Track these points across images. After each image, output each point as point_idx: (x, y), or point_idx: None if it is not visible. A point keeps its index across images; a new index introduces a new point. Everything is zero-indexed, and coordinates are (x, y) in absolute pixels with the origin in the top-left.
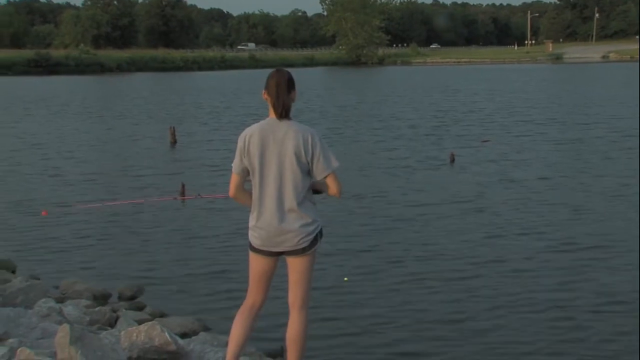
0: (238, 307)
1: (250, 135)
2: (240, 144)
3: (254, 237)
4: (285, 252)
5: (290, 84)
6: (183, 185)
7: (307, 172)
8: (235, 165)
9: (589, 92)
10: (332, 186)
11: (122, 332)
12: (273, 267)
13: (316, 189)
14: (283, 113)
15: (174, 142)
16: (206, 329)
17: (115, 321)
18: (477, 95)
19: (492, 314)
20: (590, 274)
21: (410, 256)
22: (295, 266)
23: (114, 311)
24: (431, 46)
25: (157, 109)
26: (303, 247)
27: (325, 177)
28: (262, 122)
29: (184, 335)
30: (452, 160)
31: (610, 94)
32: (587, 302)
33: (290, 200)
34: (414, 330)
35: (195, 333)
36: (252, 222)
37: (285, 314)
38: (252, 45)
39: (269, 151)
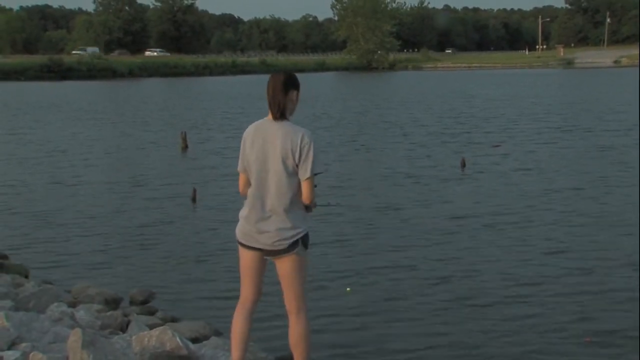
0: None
1: (247, 134)
2: (241, 142)
3: (238, 230)
4: (264, 252)
5: (287, 85)
6: (195, 191)
7: (295, 174)
8: (239, 163)
9: (608, 98)
10: (304, 191)
11: (134, 337)
12: (258, 262)
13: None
14: (278, 114)
15: (185, 148)
16: (217, 333)
17: (127, 326)
18: (493, 101)
19: (536, 338)
20: None
21: (439, 276)
22: (279, 269)
23: (126, 316)
24: (446, 51)
25: (169, 114)
26: (278, 250)
27: (304, 180)
28: (259, 121)
29: (195, 340)
30: (463, 166)
31: (629, 99)
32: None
33: (272, 202)
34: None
35: (207, 338)
36: (240, 214)
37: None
38: (91, 49)
39: (259, 151)
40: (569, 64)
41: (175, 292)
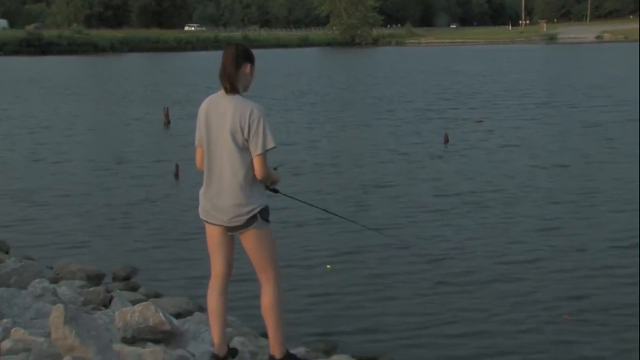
0: (232, 285)
1: (201, 108)
2: (197, 116)
3: (199, 207)
4: (226, 227)
5: (239, 58)
6: (177, 167)
7: (246, 149)
8: (196, 138)
9: (591, 74)
10: (255, 167)
11: (117, 312)
12: (223, 238)
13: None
14: (229, 87)
15: (167, 123)
16: (201, 309)
17: (110, 301)
18: (477, 76)
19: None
20: None
21: (427, 255)
22: (243, 243)
23: (108, 291)
24: (450, 26)
25: (151, 90)
26: (237, 226)
27: (255, 156)
28: (212, 95)
29: (178, 316)
30: (446, 141)
31: (612, 75)
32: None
33: (227, 178)
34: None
35: (190, 313)
36: (200, 191)
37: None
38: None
39: (211, 126)
40: (551, 39)
41: (159, 269)
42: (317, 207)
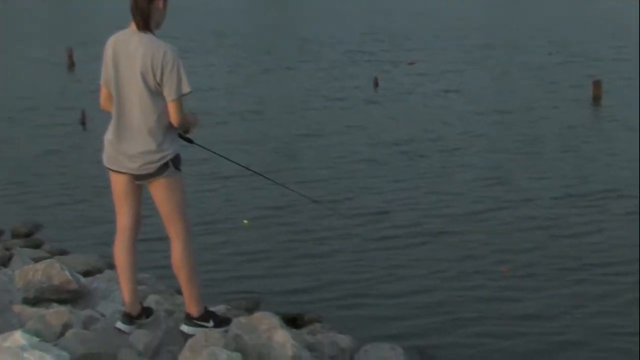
0: (146, 241)
1: (108, 45)
2: (103, 54)
3: (103, 153)
4: (134, 176)
5: None
6: (83, 113)
7: (159, 94)
8: (101, 75)
9: (534, 15)
10: (170, 113)
11: (17, 271)
12: (130, 187)
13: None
14: (141, 23)
15: (71, 66)
16: (111, 266)
17: (9, 260)
18: (414, 15)
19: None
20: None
21: (361, 212)
22: (152, 193)
23: (7, 249)
24: None
25: (52, 28)
26: (145, 174)
27: (169, 101)
28: (120, 32)
29: (87, 274)
30: (376, 85)
31: (559, 14)
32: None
33: (137, 122)
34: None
35: (100, 271)
36: (105, 136)
37: (199, 252)
38: None
39: (120, 65)
40: None
41: (65, 225)
42: (236, 164)
